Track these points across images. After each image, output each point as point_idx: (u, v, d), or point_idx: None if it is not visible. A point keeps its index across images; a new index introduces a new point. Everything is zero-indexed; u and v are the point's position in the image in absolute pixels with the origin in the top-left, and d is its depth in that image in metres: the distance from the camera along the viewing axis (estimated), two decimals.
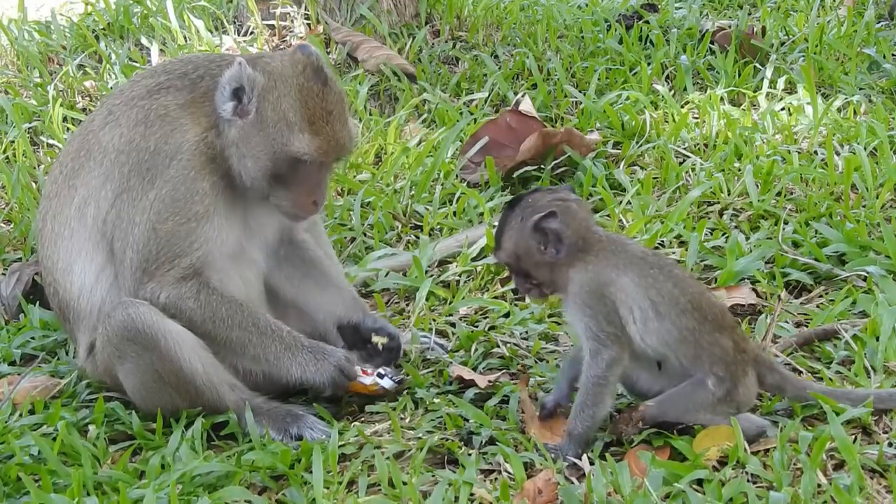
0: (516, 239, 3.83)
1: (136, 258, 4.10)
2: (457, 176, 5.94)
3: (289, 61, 4.11)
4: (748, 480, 3.46)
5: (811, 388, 3.82)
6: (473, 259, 5.14)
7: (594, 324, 3.71)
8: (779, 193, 5.37)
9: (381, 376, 4.19)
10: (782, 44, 7.42)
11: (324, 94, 4.08)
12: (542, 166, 5.88)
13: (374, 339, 4.37)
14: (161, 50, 7.25)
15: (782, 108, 6.39)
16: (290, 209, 4.18)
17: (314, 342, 4.18)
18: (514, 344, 4.49)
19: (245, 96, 4.06)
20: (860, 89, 6.74)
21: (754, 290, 4.70)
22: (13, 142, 6.45)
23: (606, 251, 3.78)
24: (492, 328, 4.64)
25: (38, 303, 4.96)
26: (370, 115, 6.71)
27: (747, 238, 5.03)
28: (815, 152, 5.85)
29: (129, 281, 4.12)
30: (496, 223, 5.25)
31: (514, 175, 5.90)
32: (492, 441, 3.83)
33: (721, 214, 5.33)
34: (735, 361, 3.70)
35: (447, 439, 3.87)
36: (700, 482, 3.46)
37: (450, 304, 4.86)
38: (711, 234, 5.14)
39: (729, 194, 5.43)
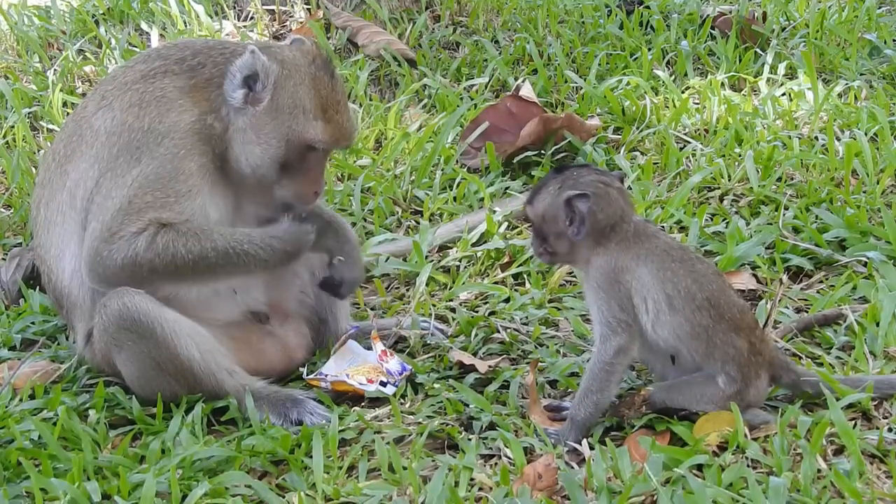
0: (547, 205, 3.81)
1: (98, 227, 4.01)
2: (457, 161, 5.93)
3: (298, 51, 4.18)
4: (748, 465, 3.45)
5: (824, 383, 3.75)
6: (474, 244, 5.13)
7: (607, 308, 3.71)
8: (779, 179, 5.37)
9: (383, 384, 4.18)
10: (783, 29, 7.40)
11: (332, 84, 4.17)
12: (543, 151, 5.87)
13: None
14: (161, 35, 7.23)
15: (783, 94, 6.37)
16: (292, 199, 4.21)
17: (265, 229, 4.18)
18: (515, 329, 4.49)
19: (258, 84, 4.07)
20: (861, 75, 6.73)
21: (755, 275, 4.70)
22: (13, 127, 6.44)
23: (629, 240, 3.76)
24: (492, 313, 4.64)
25: (37, 288, 4.95)
26: (370, 100, 6.69)
27: (748, 223, 5.02)
28: (816, 138, 5.84)
29: (85, 254, 4.04)
30: (496, 208, 5.30)
31: (515, 160, 5.89)
32: (492, 426, 3.84)
33: (721, 200, 5.33)
34: (748, 363, 3.68)
35: (447, 424, 3.88)
36: (700, 467, 3.46)
37: (450, 289, 4.85)
38: (712, 219, 5.14)
39: (729, 180, 5.43)
